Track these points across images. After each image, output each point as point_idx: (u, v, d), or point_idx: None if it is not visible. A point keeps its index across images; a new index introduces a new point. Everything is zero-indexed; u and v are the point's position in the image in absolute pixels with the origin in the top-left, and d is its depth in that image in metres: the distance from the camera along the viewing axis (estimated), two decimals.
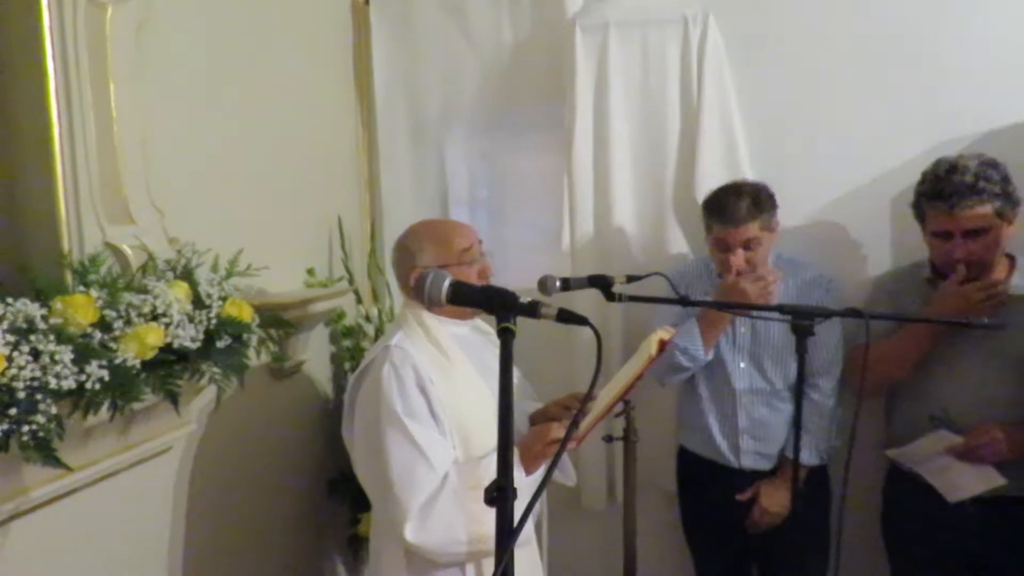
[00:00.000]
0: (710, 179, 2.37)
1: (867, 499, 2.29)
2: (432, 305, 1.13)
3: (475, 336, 1.85)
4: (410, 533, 1.52)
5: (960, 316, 1.84)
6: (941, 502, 2.02)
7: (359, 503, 2.32)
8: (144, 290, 1.49)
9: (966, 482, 1.98)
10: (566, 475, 1.92)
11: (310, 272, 2.39)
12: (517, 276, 2.44)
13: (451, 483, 1.54)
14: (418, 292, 1.13)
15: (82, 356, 1.28)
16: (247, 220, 2.07)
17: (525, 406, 1.94)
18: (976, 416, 1.98)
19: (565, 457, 1.93)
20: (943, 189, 1.94)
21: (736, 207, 2.07)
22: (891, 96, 2.34)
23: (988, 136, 2.23)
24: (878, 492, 2.28)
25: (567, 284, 1.91)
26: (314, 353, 2.41)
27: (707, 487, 2.30)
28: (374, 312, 2.61)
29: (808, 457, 2.14)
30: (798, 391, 1.72)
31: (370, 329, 2.55)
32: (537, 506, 1.84)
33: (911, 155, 2.27)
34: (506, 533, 0.84)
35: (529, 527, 1.75)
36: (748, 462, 2.22)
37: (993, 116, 2.25)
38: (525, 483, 1.54)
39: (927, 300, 2.07)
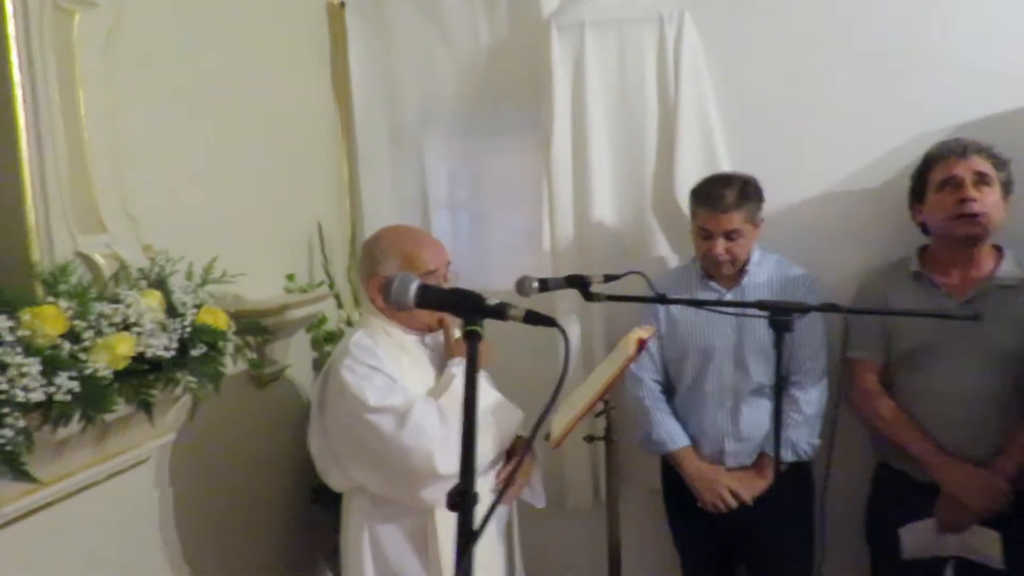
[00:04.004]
0: (689, 177, 2.36)
1: (850, 496, 2.30)
2: (400, 308, 1.12)
3: (434, 340, 1.85)
4: (443, 465, 1.57)
5: (941, 311, 1.86)
6: (927, 500, 2.02)
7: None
8: (115, 299, 1.48)
9: (981, 549, 1.97)
10: (535, 497, 1.92)
11: (290, 278, 2.37)
12: (498, 277, 2.44)
13: (447, 407, 1.62)
14: (385, 296, 1.12)
15: (51, 368, 1.27)
16: (224, 226, 2.05)
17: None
18: (963, 413, 1.98)
19: (536, 478, 1.94)
20: (952, 146, 2.03)
21: (722, 194, 2.09)
22: (870, 90, 2.34)
23: (964, 128, 2.22)
24: (862, 489, 2.28)
25: (545, 285, 1.90)
26: (296, 359, 2.40)
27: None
28: (355, 316, 2.60)
29: (787, 454, 2.14)
30: (777, 386, 1.72)
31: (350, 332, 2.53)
32: (506, 509, 1.86)
33: (890, 149, 2.28)
34: (467, 537, 0.83)
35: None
36: (731, 462, 2.21)
37: (970, 110, 2.25)
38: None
39: (915, 296, 2.07)
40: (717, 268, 2.20)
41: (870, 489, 2.27)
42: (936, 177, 2.05)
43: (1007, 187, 2.01)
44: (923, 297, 2.06)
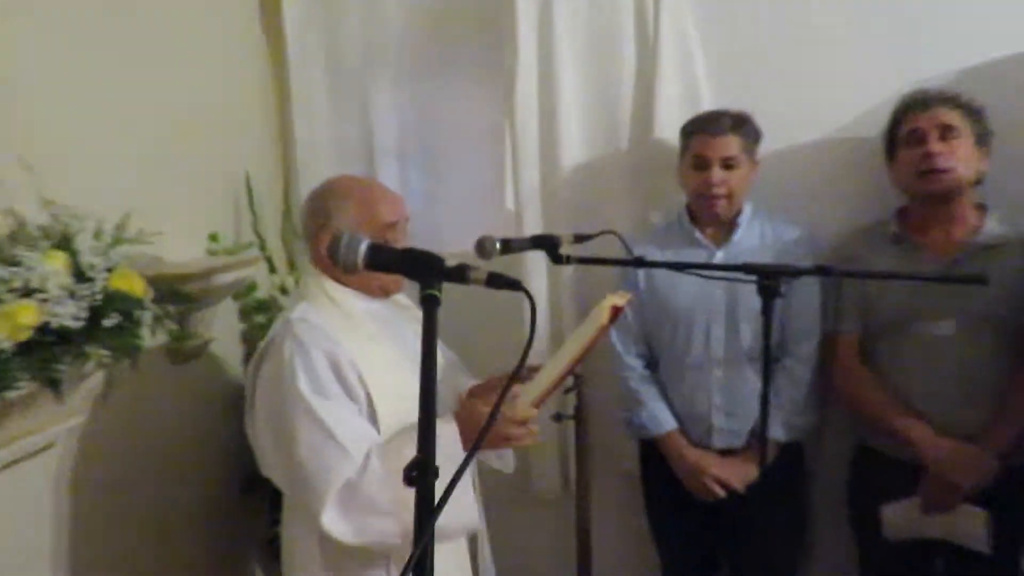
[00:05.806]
0: (669, 123, 2.40)
1: (837, 476, 2.38)
2: (347, 271, 1.13)
3: (391, 310, 1.85)
4: (327, 521, 1.51)
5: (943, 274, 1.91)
6: (909, 480, 2.10)
7: (281, 501, 2.32)
8: (14, 262, 1.45)
9: (968, 531, 2.05)
10: (503, 462, 1.94)
11: (213, 238, 2.35)
12: (454, 237, 2.45)
13: (373, 467, 1.54)
14: (331, 255, 1.12)
15: None
16: (138, 179, 2.02)
17: (460, 382, 1.95)
18: (948, 382, 2.06)
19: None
20: (916, 97, 2.13)
21: (719, 119, 2.19)
22: (868, 29, 2.38)
23: (963, 74, 2.28)
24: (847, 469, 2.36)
25: (509, 246, 1.91)
26: (221, 331, 2.39)
27: (672, 467, 2.32)
28: (290, 282, 2.59)
29: (780, 432, 2.19)
30: (765, 357, 1.74)
31: (286, 302, 2.52)
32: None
33: (888, 94, 2.32)
34: (426, 513, 0.86)
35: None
36: (720, 442, 2.26)
37: (968, 54, 2.30)
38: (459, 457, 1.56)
39: (897, 260, 2.13)
40: (711, 207, 2.22)
41: (850, 470, 2.35)
42: (902, 132, 2.14)
43: (982, 138, 2.07)
44: (905, 261, 2.13)
